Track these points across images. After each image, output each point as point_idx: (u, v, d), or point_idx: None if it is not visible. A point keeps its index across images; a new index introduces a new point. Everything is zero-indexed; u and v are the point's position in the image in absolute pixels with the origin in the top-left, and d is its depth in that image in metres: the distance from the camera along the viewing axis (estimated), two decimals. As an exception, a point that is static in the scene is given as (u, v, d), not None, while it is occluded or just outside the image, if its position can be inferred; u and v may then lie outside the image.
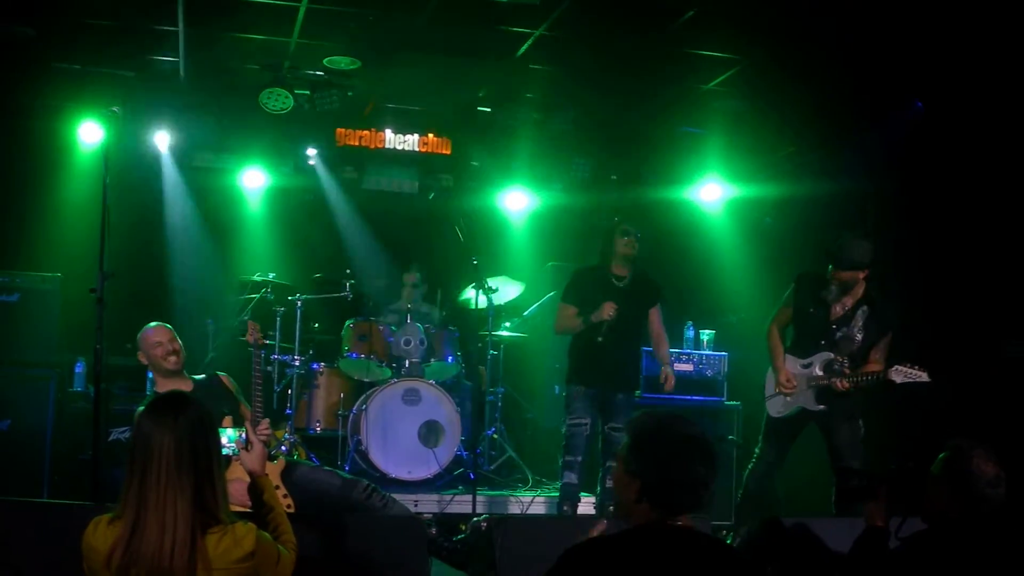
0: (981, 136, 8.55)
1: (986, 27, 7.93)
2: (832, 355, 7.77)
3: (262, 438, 6.75)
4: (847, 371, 7.68)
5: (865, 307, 7.78)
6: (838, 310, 7.83)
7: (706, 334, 10.78)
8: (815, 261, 10.08)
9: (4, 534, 5.50)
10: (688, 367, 10.38)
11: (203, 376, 7.47)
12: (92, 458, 7.24)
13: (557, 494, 8.89)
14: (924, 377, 7.36)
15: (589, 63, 9.72)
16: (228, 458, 5.80)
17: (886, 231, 9.65)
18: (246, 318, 10.31)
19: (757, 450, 8.16)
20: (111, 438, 8.92)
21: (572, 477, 8.62)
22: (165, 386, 7.12)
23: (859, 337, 7.74)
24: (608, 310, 8.46)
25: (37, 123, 10.13)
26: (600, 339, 8.53)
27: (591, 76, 10.06)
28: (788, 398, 7.92)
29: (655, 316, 8.90)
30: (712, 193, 11.92)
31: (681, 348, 10.66)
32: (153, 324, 7.27)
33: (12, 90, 9.80)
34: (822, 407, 7.77)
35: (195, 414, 3.94)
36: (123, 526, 3.80)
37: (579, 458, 8.59)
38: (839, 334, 7.78)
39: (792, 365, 7.96)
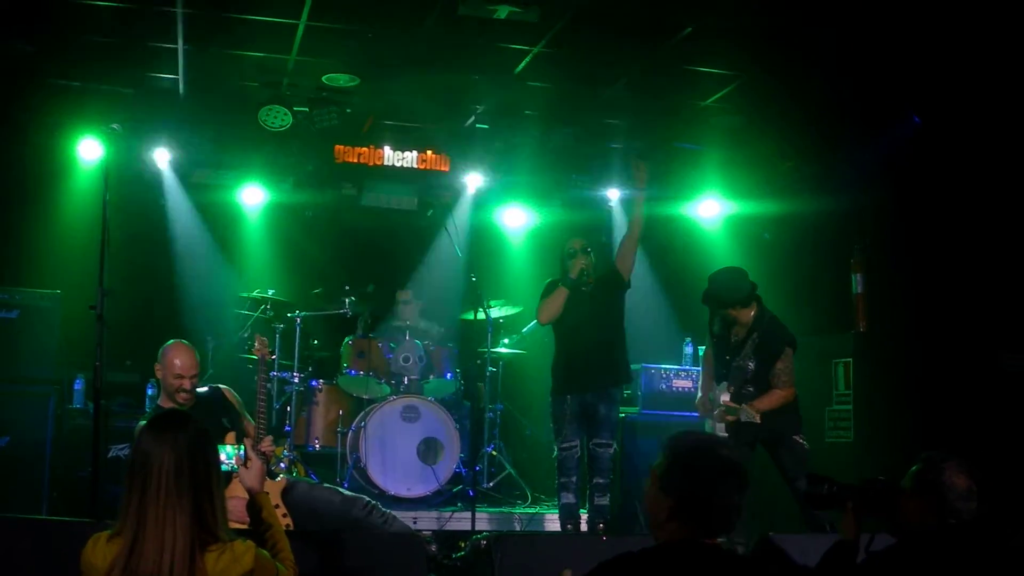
0: (979, 149, 8.57)
1: (983, 40, 7.95)
2: (731, 385, 8.01)
3: (264, 454, 6.76)
4: (730, 403, 7.91)
5: (755, 335, 8.00)
6: (733, 340, 8.11)
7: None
8: (814, 277, 10.15)
9: (4, 551, 5.51)
10: (687, 383, 10.39)
11: (206, 388, 7.45)
12: (91, 475, 7.22)
13: (556, 511, 8.88)
14: (757, 419, 7.73)
15: (587, 80, 9.74)
16: (228, 475, 5.80)
17: (884, 245, 9.67)
18: (245, 334, 10.33)
19: None
20: (110, 455, 8.92)
21: (570, 497, 8.60)
22: (168, 401, 7.14)
23: (751, 365, 7.96)
24: (579, 263, 8.56)
25: (37, 140, 10.11)
26: (586, 288, 8.59)
27: (589, 93, 10.08)
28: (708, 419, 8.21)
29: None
30: (711, 209, 11.93)
31: (680, 364, 10.68)
32: (181, 349, 7.16)
33: (11, 107, 9.80)
34: (725, 435, 7.89)
35: (195, 432, 3.94)
36: (122, 543, 3.79)
37: (574, 478, 8.58)
38: (733, 364, 8.03)
39: (713, 387, 8.27)
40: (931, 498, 4.60)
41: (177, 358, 7.05)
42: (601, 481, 8.56)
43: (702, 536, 3.61)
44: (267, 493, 4.65)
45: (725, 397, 7.98)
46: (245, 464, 4.68)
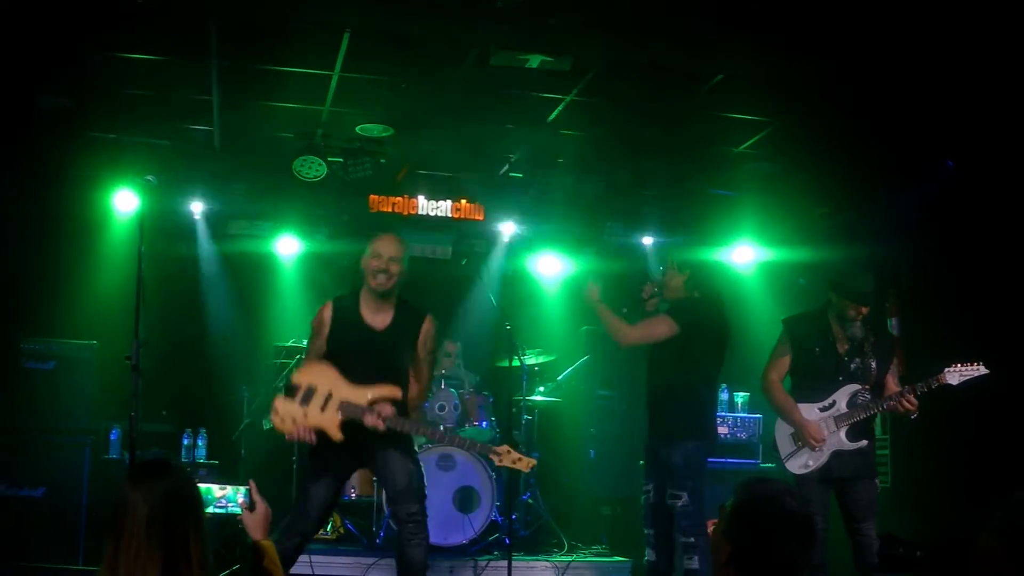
0: (1014, 194, 8.50)
1: (1017, 84, 7.92)
2: (857, 386, 7.46)
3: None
4: (870, 403, 7.41)
5: (871, 335, 7.57)
6: (844, 344, 7.54)
7: (740, 396, 10.75)
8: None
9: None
10: (723, 430, 10.32)
11: (407, 305, 7.25)
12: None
13: (592, 559, 8.69)
14: (982, 369, 7.21)
15: (620, 127, 9.76)
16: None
17: (921, 288, 9.61)
18: (280, 384, 10.32)
19: None
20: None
21: (650, 554, 7.83)
22: (368, 303, 7.11)
23: (874, 365, 7.49)
24: (648, 289, 8.18)
25: (73, 192, 10.18)
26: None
27: (622, 140, 10.10)
28: (816, 450, 7.41)
29: None
30: (745, 255, 11.88)
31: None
32: (387, 237, 7.09)
33: (49, 159, 9.88)
34: (864, 442, 7.39)
35: (172, 484, 3.76)
36: (101, 591, 3.68)
37: (651, 531, 7.82)
38: (853, 365, 7.50)
39: (809, 413, 7.50)
40: (1016, 545, 4.38)
41: (379, 241, 7.00)
42: (683, 540, 7.57)
43: None
44: (269, 541, 4.45)
45: (843, 403, 7.39)
46: (250, 508, 4.51)
